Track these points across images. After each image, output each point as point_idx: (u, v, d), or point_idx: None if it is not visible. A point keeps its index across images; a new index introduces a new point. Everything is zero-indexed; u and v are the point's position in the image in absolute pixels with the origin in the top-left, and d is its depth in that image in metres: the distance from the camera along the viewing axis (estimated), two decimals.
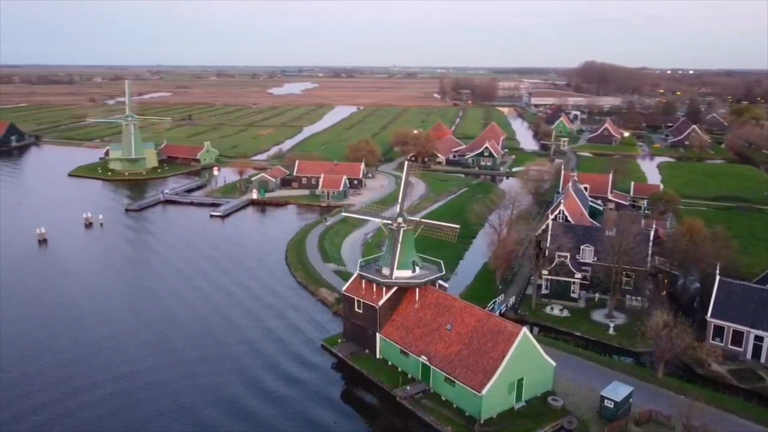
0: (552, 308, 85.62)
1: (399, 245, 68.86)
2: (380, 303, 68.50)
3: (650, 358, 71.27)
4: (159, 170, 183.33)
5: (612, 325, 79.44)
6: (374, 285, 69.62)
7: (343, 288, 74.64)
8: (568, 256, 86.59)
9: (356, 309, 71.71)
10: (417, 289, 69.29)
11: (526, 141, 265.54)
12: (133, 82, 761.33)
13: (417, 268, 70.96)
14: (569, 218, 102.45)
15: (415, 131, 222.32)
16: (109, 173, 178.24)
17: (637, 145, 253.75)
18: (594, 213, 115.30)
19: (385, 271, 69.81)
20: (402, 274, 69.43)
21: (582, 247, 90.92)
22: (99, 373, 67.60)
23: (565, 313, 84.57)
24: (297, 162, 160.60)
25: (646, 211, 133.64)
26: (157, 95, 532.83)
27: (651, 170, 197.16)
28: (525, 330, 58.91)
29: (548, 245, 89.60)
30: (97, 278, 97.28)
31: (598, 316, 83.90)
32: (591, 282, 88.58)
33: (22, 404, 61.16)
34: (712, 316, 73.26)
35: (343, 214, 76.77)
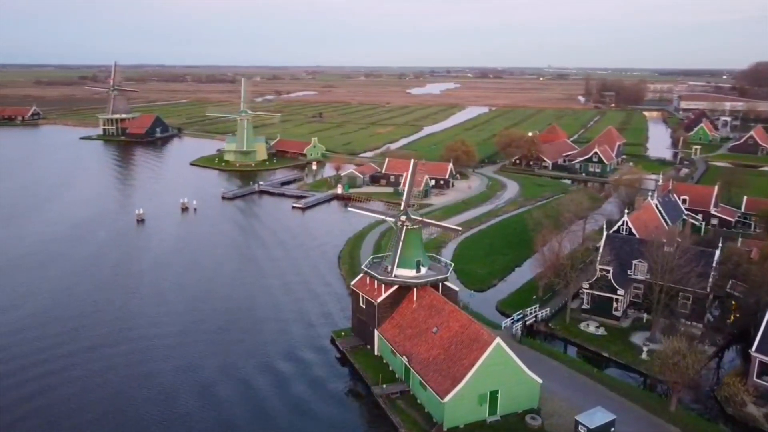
0: (588, 325, 79.50)
1: (401, 243, 68.32)
2: (379, 300, 68.40)
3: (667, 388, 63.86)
4: (267, 163, 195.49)
5: (646, 349, 72.05)
6: (375, 282, 69.71)
7: (352, 283, 75.50)
8: (611, 271, 79.80)
9: (360, 304, 72.28)
10: (415, 289, 68.24)
11: (660, 148, 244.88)
12: (288, 82, 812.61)
13: (423, 269, 69.87)
14: (634, 231, 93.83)
15: (530, 134, 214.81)
16: (223, 164, 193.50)
17: None
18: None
19: (389, 268, 69.57)
20: (404, 273, 68.72)
21: (634, 262, 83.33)
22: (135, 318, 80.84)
23: (601, 331, 78.10)
24: (387, 159, 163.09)
25: (756, 230, 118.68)
26: (302, 94, 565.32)
27: None
28: (498, 340, 55.82)
29: (597, 258, 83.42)
30: (168, 254, 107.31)
31: (638, 338, 76.50)
32: (642, 300, 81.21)
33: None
34: (757, 350, 63.87)
35: (349, 208, 77.08)
